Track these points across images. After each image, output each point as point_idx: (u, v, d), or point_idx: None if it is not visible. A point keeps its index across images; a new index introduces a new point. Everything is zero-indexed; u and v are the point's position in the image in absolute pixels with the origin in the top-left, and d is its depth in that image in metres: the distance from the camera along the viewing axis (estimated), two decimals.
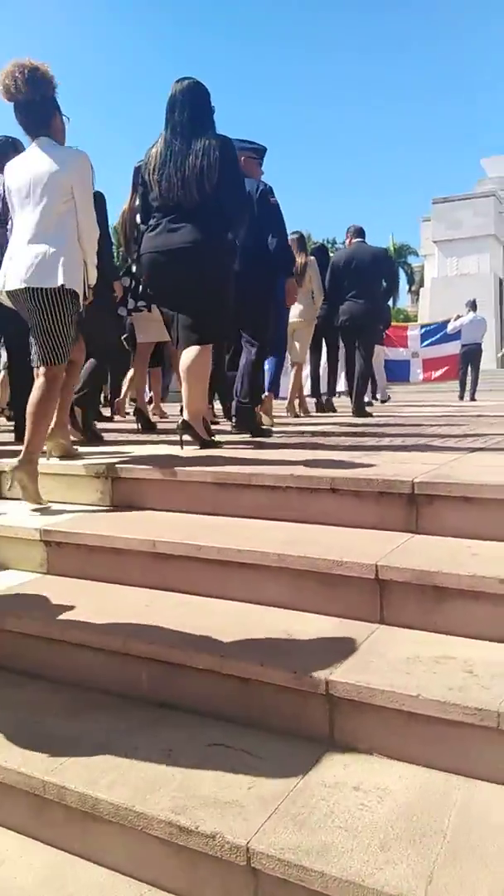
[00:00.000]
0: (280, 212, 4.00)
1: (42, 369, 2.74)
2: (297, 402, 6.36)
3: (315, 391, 7.24)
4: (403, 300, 52.35)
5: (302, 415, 6.37)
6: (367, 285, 6.00)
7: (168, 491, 2.62)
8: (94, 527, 2.41)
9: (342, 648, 1.72)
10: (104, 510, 2.73)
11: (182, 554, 2.18)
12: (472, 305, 11.96)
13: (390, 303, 8.09)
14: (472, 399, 11.04)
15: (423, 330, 12.23)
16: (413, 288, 43.21)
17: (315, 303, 6.10)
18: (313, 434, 4.05)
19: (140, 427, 4.50)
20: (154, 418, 5.19)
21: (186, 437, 3.21)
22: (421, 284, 37.03)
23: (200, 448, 3.18)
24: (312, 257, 6.21)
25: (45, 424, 2.78)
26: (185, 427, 3.17)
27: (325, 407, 6.94)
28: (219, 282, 3.13)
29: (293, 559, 2.00)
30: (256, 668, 1.66)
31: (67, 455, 3.08)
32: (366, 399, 6.66)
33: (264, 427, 4.17)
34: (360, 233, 6.33)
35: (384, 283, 6.23)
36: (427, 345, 12.15)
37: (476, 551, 1.98)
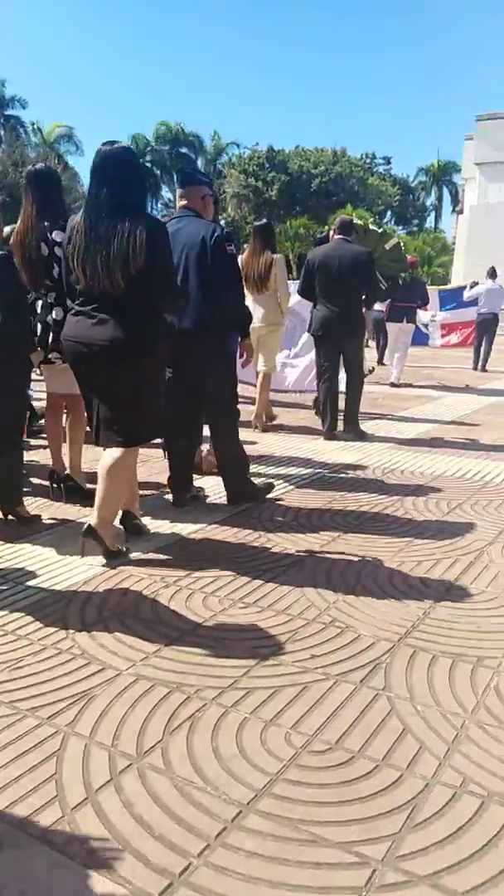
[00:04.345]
0: (236, 263, 3.58)
1: None
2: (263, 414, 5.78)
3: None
4: (447, 222, 49.93)
5: (268, 423, 5.81)
6: (342, 290, 5.26)
7: None
8: None
9: None
10: None
11: None
12: (492, 273, 11.68)
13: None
14: (484, 370, 11.14)
15: (442, 294, 12.00)
16: (457, 208, 41.22)
17: (280, 305, 5.52)
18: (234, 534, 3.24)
19: (57, 496, 3.78)
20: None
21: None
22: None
23: (105, 559, 2.91)
24: (279, 255, 5.60)
25: None
26: (90, 532, 2.87)
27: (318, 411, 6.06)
28: (140, 383, 2.86)
29: None
30: None
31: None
32: (370, 367, 5.98)
33: (260, 488, 3.89)
34: (344, 228, 5.54)
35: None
36: (445, 309, 11.98)
37: None
